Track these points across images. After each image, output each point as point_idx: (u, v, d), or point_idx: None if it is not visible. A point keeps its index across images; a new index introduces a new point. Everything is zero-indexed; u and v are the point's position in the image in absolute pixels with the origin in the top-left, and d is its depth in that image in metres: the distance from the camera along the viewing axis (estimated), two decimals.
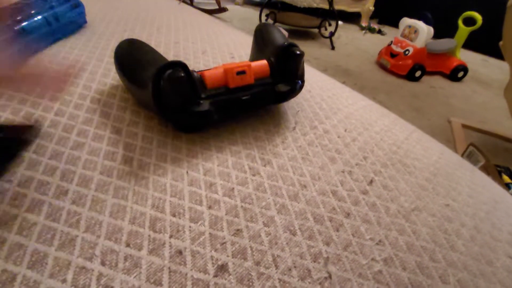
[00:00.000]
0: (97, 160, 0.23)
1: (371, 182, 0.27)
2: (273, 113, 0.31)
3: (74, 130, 0.25)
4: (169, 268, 0.18)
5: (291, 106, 0.33)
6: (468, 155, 1.06)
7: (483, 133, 1.59)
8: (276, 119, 0.31)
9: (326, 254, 0.20)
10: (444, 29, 1.94)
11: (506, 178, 0.93)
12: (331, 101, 0.36)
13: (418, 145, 0.34)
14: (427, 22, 1.78)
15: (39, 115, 0.26)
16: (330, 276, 0.19)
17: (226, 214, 0.21)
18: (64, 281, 0.16)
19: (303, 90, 0.35)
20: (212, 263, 0.18)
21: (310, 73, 0.42)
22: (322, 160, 0.27)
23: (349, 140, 0.31)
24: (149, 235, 0.19)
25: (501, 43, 1.19)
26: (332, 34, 2.33)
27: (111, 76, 0.33)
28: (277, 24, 2.45)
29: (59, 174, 0.22)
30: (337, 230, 0.22)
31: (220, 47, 0.44)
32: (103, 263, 0.17)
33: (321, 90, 0.38)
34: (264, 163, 0.26)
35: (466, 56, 2.07)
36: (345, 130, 0.32)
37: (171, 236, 0.19)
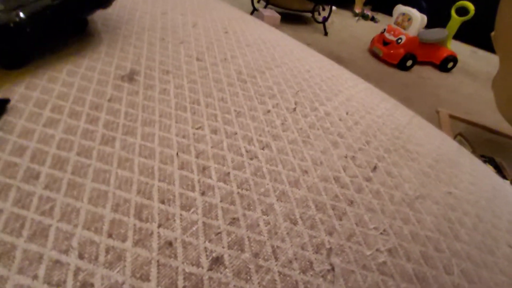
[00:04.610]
0: (74, 139, 0.20)
1: (374, 168, 0.25)
2: (273, 92, 0.29)
3: (48, 105, 0.22)
4: (157, 261, 0.16)
5: (290, 85, 0.31)
6: None
7: (469, 124, 1.62)
8: (275, 98, 0.29)
9: (328, 245, 0.19)
10: (436, 19, 1.93)
11: (490, 168, 0.95)
12: (331, 82, 0.34)
13: (420, 130, 0.32)
14: (421, 10, 1.76)
15: (7, 88, 0.23)
16: (333, 268, 0.18)
17: (221, 201, 0.19)
18: (35, 277, 0.14)
19: (302, 69, 0.33)
20: (206, 255, 0.17)
21: (308, 53, 0.40)
22: (324, 144, 0.25)
23: (351, 123, 0.29)
24: (134, 224, 0.17)
25: (492, 33, 1.20)
26: (325, 19, 2.28)
27: None
28: (269, 6, 2.38)
29: (29, 154, 0.19)
30: (340, 219, 0.21)
31: (213, 21, 0.41)
32: (81, 256, 0.15)
33: (320, 71, 0.35)
34: (262, 146, 0.24)
35: (456, 47, 2.08)
36: (347, 113, 0.30)
37: (159, 226, 0.17)
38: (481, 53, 2.52)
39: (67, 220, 0.16)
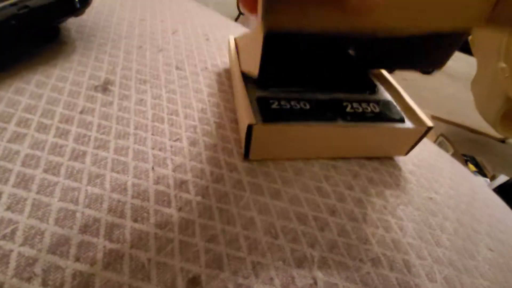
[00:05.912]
0: (40, 155, 0.19)
1: (355, 176, 0.25)
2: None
3: (13, 119, 0.21)
4: (129, 285, 0.15)
5: None
6: (437, 145, 1.11)
7: (450, 124, 1.68)
8: None
9: (311, 258, 0.19)
10: None
11: (471, 167, 0.98)
12: None
13: None
14: None
15: None
16: (315, 282, 0.18)
17: (198, 217, 0.19)
18: None
19: None
20: (182, 275, 0.16)
21: None
22: None
23: None
24: (104, 246, 0.16)
25: (470, 37, 1.24)
26: None
27: None
28: None
29: None
30: (322, 230, 0.20)
31: (194, 28, 0.40)
32: (44, 284, 0.14)
33: None
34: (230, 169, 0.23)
35: None
36: None
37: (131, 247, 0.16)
38: (460, 55, 2.61)
39: (30, 245, 0.15)
